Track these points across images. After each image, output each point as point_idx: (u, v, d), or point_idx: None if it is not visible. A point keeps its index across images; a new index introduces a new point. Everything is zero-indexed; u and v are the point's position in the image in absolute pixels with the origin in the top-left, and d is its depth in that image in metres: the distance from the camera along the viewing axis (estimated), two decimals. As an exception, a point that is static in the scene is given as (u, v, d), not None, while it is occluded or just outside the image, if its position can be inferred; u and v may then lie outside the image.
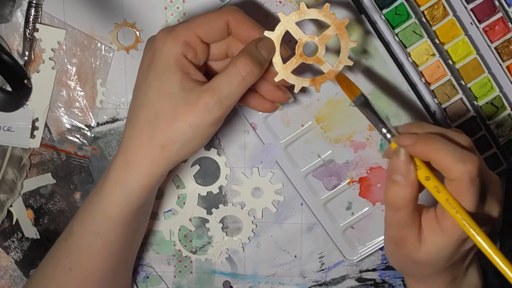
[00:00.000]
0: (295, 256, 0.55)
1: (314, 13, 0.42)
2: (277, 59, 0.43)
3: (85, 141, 0.53)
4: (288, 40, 0.43)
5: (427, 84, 0.49)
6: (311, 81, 0.43)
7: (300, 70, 0.44)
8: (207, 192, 0.54)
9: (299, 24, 0.43)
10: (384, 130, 0.39)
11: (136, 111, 0.43)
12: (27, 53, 0.51)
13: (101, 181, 0.45)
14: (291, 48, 0.44)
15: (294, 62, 0.43)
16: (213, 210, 0.54)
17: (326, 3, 0.42)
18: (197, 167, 0.53)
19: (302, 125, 0.51)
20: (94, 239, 0.45)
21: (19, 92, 0.41)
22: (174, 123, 0.41)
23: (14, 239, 0.55)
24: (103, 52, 0.51)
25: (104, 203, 0.44)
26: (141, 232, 0.51)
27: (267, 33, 0.42)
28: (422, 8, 0.48)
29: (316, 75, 0.43)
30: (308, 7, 0.42)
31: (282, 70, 0.43)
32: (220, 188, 0.54)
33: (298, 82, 0.43)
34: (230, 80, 0.41)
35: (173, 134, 0.41)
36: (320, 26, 0.49)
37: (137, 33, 0.51)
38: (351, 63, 0.42)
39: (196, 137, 0.42)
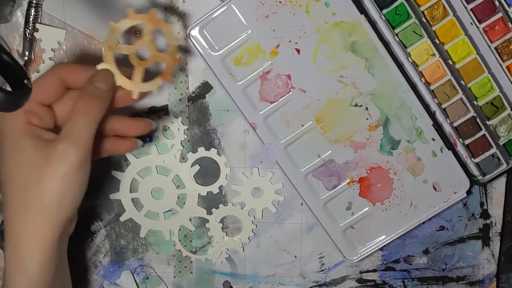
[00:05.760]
0: (295, 256, 0.55)
1: (132, 21, 0.43)
2: (122, 80, 0.43)
3: (85, 141, 0.53)
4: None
5: (427, 84, 0.49)
6: (162, 77, 0.44)
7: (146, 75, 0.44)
8: (207, 192, 0.54)
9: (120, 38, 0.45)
10: None
11: (4, 193, 0.42)
12: (27, 53, 0.51)
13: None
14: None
15: (138, 72, 0.44)
16: (213, 210, 0.54)
17: (153, 8, 0.44)
18: (197, 167, 0.53)
19: (302, 125, 0.51)
20: None
21: (19, 92, 0.41)
22: (40, 184, 0.40)
23: (14, 240, 0.55)
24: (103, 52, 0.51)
25: None
26: None
27: (99, 66, 0.43)
28: (422, 8, 0.48)
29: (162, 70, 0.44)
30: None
31: (134, 85, 0.43)
32: (220, 188, 0.54)
33: (154, 84, 0.44)
34: (76, 122, 0.41)
35: (45, 195, 0.40)
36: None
37: (137, 33, 0.51)
38: (181, 41, 0.45)
39: (70, 187, 0.41)
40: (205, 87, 0.52)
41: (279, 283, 0.56)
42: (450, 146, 0.50)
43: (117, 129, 0.46)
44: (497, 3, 0.47)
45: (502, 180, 0.53)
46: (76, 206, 0.42)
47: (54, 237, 0.42)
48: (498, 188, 0.53)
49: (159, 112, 0.52)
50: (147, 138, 0.51)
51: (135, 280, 0.56)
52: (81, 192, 0.42)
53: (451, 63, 0.49)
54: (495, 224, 0.54)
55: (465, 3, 0.48)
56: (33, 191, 0.40)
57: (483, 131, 0.50)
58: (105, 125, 0.45)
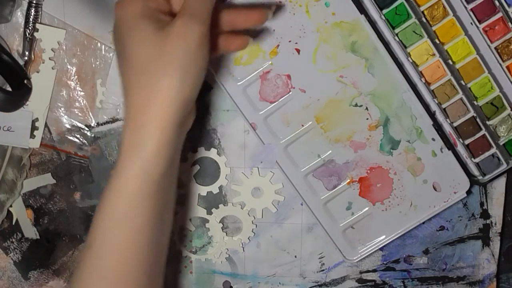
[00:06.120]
0: (295, 257, 0.55)
1: None
2: None
3: (85, 141, 0.53)
4: None
5: (427, 84, 0.49)
6: None
7: None
8: (207, 192, 0.54)
9: None
10: None
11: (124, 75, 0.41)
12: (27, 53, 0.51)
13: (114, 168, 0.42)
14: None
15: None
16: (213, 210, 0.54)
17: None
18: (197, 167, 0.53)
19: (302, 125, 0.51)
20: (120, 234, 0.42)
21: (19, 92, 0.41)
22: (161, 62, 0.39)
23: (14, 240, 0.55)
24: (103, 52, 0.51)
25: (120, 185, 0.41)
26: (168, 216, 0.46)
27: None
28: (422, 8, 0.48)
29: None
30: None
31: None
32: (220, 188, 0.54)
33: None
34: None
35: (167, 70, 0.39)
36: None
37: None
38: None
39: (190, 65, 0.40)
40: (205, 87, 0.52)
41: (279, 283, 0.56)
42: (450, 146, 0.50)
43: (232, 20, 0.44)
44: (497, 3, 0.47)
45: (502, 180, 0.53)
46: (196, 90, 0.41)
47: (174, 120, 0.40)
48: (498, 188, 0.53)
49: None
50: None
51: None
52: (201, 73, 0.41)
53: (451, 63, 0.49)
54: (495, 224, 0.54)
55: (465, 3, 0.48)
56: (153, 69, 0.39)
57: (483, 131, 0.50)
58: (219, 17, 0.43)
